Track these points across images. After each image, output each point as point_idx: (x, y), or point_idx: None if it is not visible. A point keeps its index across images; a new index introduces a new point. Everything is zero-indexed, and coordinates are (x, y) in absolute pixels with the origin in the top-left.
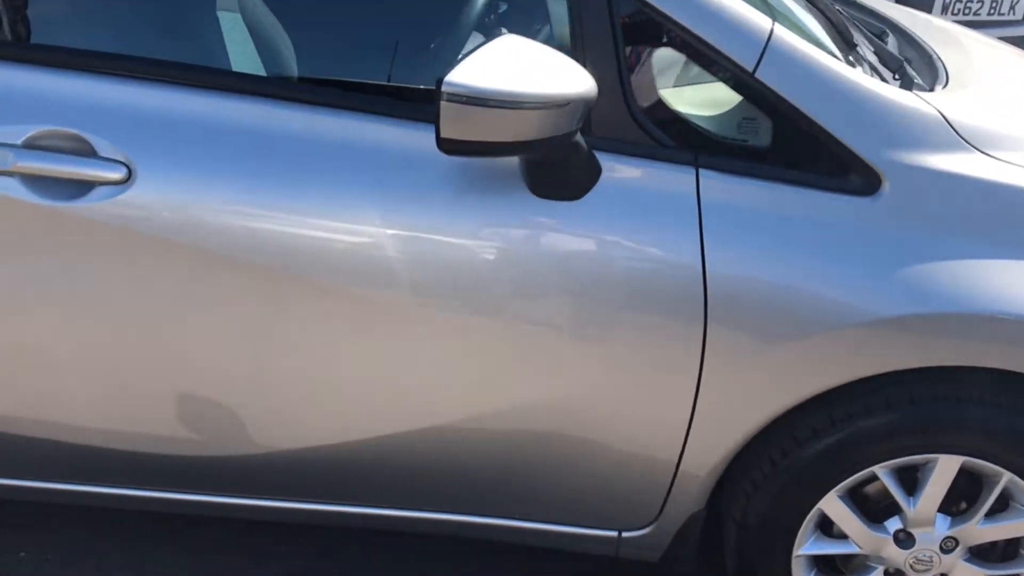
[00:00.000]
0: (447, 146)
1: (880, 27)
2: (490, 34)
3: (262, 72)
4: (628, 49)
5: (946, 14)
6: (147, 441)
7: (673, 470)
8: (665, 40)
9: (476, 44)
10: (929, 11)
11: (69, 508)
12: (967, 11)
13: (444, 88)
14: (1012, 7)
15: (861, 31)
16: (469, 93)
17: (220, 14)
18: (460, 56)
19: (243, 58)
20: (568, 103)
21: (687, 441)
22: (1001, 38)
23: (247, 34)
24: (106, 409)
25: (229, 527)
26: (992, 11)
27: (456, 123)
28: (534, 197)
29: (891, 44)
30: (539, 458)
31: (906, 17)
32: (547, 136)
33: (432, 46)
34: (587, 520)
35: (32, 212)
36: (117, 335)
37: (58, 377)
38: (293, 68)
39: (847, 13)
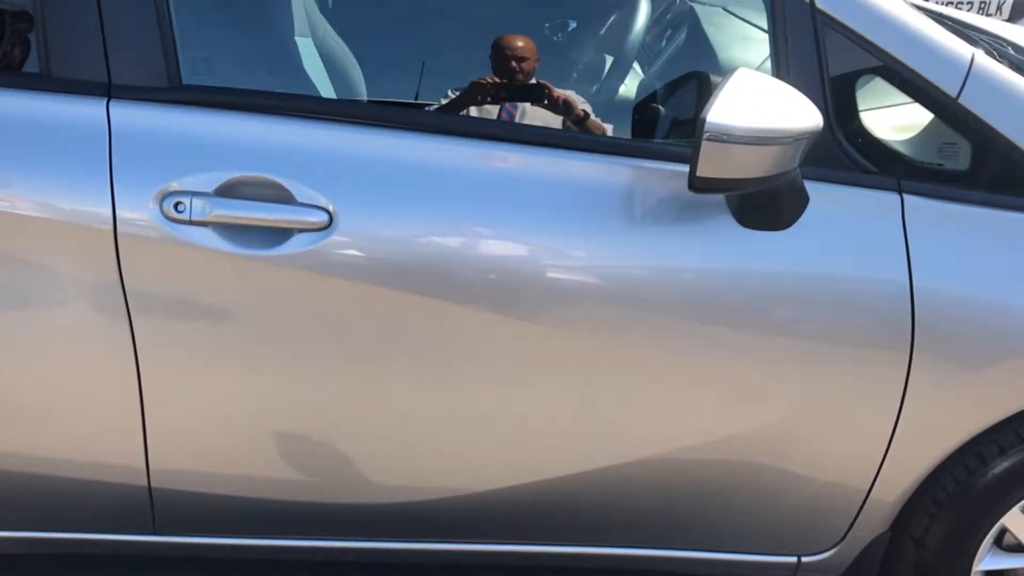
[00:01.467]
0: (700, 184)
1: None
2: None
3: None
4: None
5: None
6: (340, 483)
7: (864, 495)
8: (868, 66)
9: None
10: None
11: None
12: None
13: (707, 128)
14: (999, 7)
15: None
16: (729, 131)
17: (297, 40)
18: (671, 85)
19: (320, 83)
20: (806, 137)
21: (882, 466)
22: None
23: (319, 59)
24: (290, 456)
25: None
26: (981, 9)
27: (713, 161)
28: (742, 228)
29: None
30: (732, 488)
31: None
32: (785, 170)
33: (608, 80)
34: (768, 547)
35: (229, 262)
36: (320, 385)
37: (257, 430)
38: (363, 92)
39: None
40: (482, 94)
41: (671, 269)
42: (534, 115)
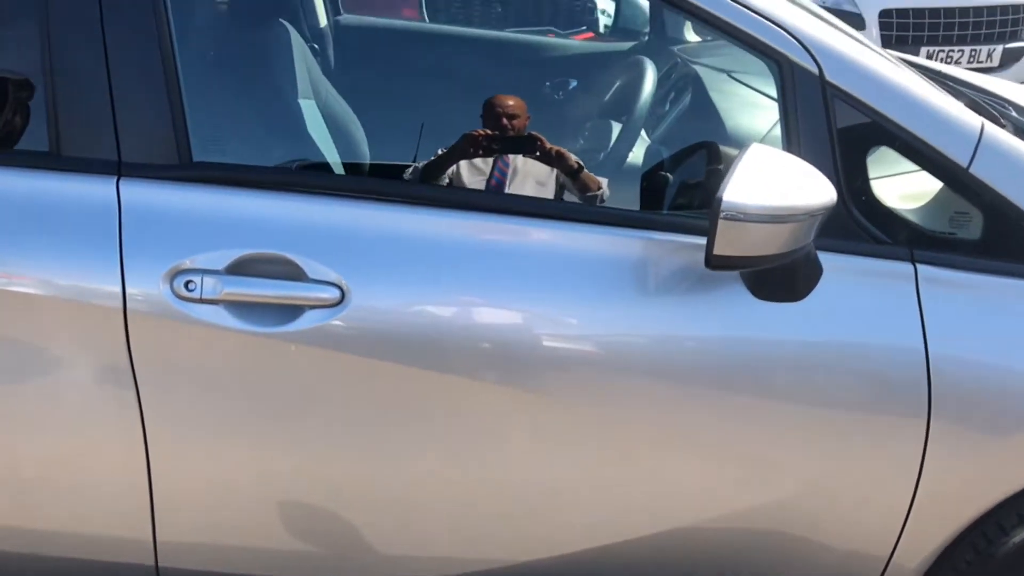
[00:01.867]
0: (717, 262)
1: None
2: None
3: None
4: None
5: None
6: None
7: (884, 564)
8: (878, 137)
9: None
10: None
11: None
12: (949, 60)
13: (723, 207)
14: (990, 55)
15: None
16: (746, 210)
17: (301, 102)
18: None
19: (323, 144)
20: (821, 213)
21: (901, 535)
22: None
23: (322, 120)
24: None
25: None
26: (972, 59)
27: (730, 240)
28: (756, 300)
29: None
30: (749, 560)
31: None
32: (800, 245)
33: (617, 147)
34: None
35: (240, 340)
36: (329, 460)
37: (266, 504)
38: (365, 152)
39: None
40: (473, 146)
41: (684, 338)
42: (527, 169)
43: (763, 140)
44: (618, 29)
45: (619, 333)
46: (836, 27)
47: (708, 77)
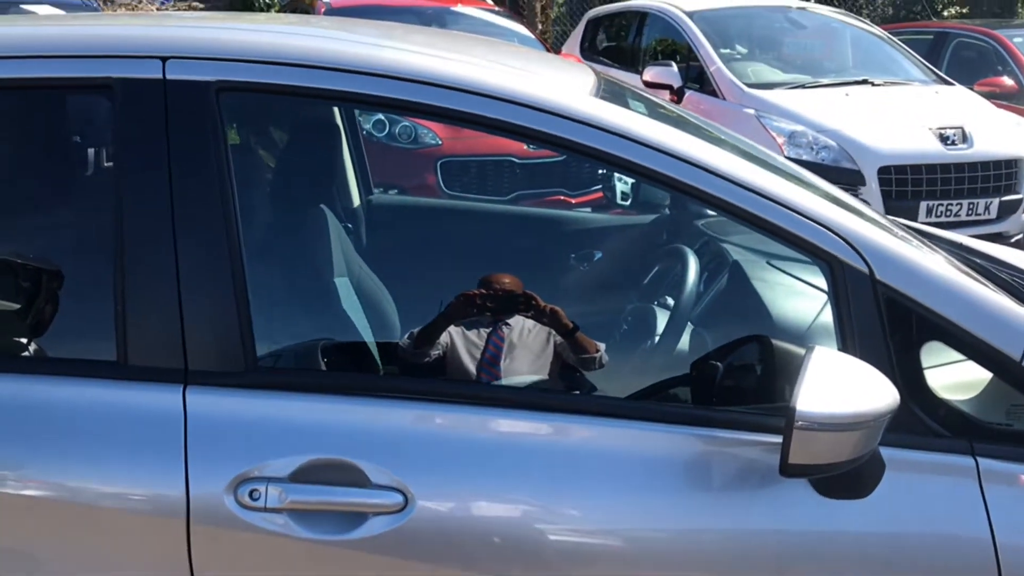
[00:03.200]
0: (792, 471)
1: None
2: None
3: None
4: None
5: (930, 216)
6: None
7: None
8: (930, 333)
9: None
10: (915, 217)
11: None
12: (948, 213)
13: (797, 417)
14: (987, 207)
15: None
16: (819, 420)
17: (336, 280)
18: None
19: (358, 322)
20: (888, 416)
21: None
22: (979, 236)
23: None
24: None
25: None
26: (970, 211)
27: (804, 449)
28: (820, 497)
29: None
30: None
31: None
32: (869, 449)
33: (666, 337)
34: None
35: (304, 549)
36: None
37: None
38: (397, 328)
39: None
40: (467, 306)
41: (748, 533)
42: (523, 341)
43: (809, 331)
44: (638, 200)
45: (688, 531)
46: (881, 224)
47: (746, 261)
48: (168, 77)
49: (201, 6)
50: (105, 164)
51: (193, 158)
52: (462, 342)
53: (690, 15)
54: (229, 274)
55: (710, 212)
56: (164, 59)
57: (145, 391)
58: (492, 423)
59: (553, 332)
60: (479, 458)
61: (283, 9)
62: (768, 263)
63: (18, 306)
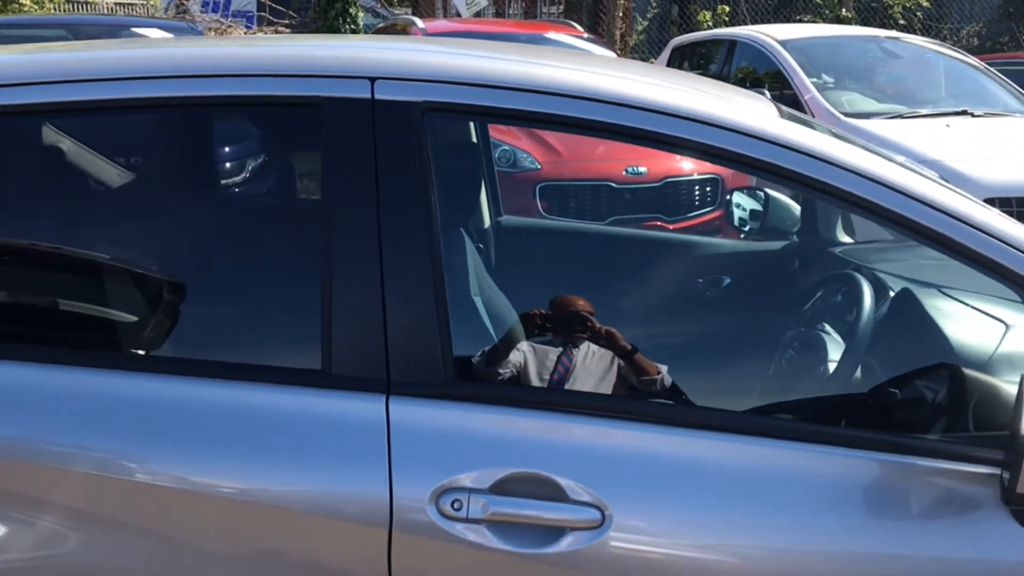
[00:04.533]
0: (1018, 500)
1: None
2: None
3: None
4: None
5: None
6: None
7: None
8: None
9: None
10: None
11: None
12: None
13: None
14: None
15: None
16: None
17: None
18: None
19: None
20: None
21: None
22: None
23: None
24: None
25: None
26: None
27: None
28: (1021, 528)
29: None
30: None
31: None
32: None
33: (842, 368)
34: None
35: (503, 561)
36: None
37: None
38: None
39: None
40: (529, 326)
41: (951, 562)
42: (587, 365)
43: (991, 360)
44: (765, 227)
45: (889, 556)
46: None
47: (916, 289)
48: (377, 97)
49: (287, 31)
50: (311, 181)
51: (399, 175)
52: (534, 363)
53: (783, 43)
54: (431, 289)
55: (841, 239)
56: (373, 79)
57: (349, 400)
58: (690, 444)
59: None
60: (676, 478)
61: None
62: (939, 290)
63: (227, 314)
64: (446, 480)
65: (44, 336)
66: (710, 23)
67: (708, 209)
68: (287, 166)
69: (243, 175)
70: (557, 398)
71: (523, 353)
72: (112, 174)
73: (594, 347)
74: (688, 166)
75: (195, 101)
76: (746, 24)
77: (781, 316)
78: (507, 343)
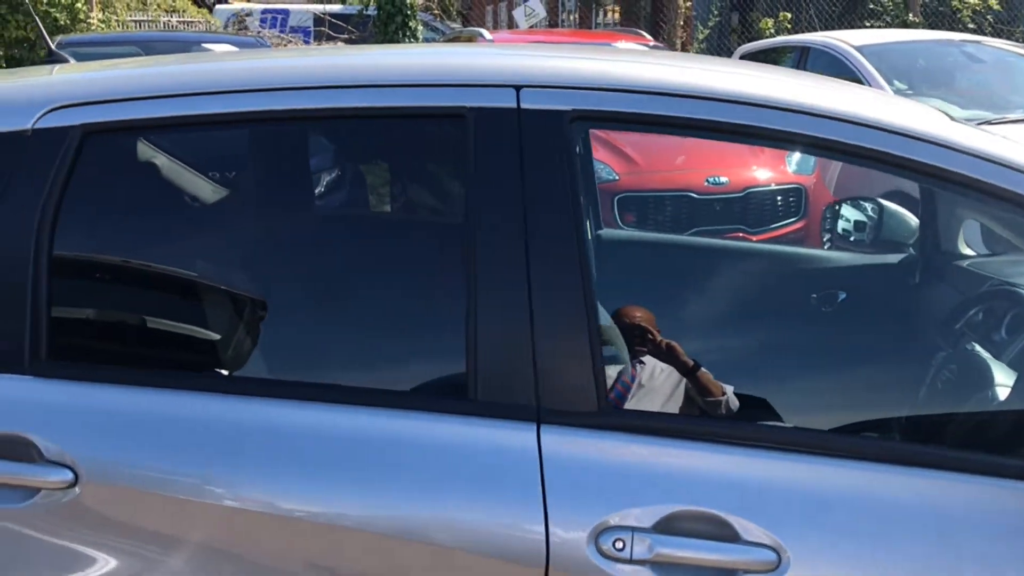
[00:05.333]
0: None
1: None
2: None
3: None
4: None
5: None
6: None
7: None
8: None
9: None
10: None
11: None
12: None
13: None
14: None
15: None
16: None
17: None
18: None
19: None
20: None
21: None
22: None
23: None
24: None
25: None
26: None
27: None
28: None
29: None
30: None
31: None
32: None
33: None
34: None
35: None
36: None
37: None
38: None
39: None
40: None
41: None
42: (652, 384)
43: None
44: (879, 240)
45: None
46: None
47: None
48: (523, 106)
49: (345, 45)
50: (453, 195)
51: (548, 188)
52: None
53: (859, 49)
54: (583, 310)
55: (963, 252)
56: (518, 88)
57: (498, 428)
58: (872, 479)
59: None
60: (858, 517)
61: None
62: None
63: (365, 337)
64: (606, 517)
65: (189, 362)
66: (772, 30)
67: (792, 219)
68: (427, 180)
69: (387, 186)
70: (722, 429)
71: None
72: (248, 188)
73: (661, 364)
74: (768, 175)
75: (335, 113)
76: (809, 31)
77: (924, 335)
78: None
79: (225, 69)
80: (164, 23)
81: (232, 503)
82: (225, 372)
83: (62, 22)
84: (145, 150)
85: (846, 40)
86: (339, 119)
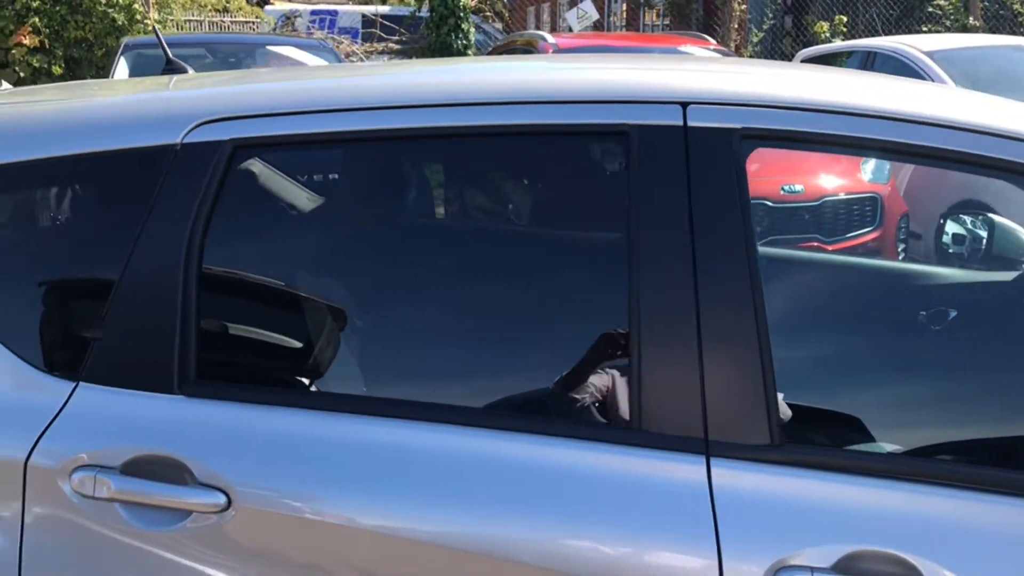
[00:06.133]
0: None
1: None
2: None
3: None
4: None
5: None
6: None
7: None
8: None
9: None
10: None
11: None
12: None
13: None
14: None
15: None
16: None
17: None
18: None
19: None
20: None
21: None
22: None
23: None
24: None
25: None
26: None
27: None
28: None
29: None
30: None
31: None
32: None
33: None
34: None
35: None
36: None
37: None
38: None
39: None
40: (611, 346)
41: None
42: (614, 376)
43: None
44: (989, 255)
45: None
46: None
47: None
48: (690, 123)
49: (396, 46)
50: (614, 212)
51: (717, 209)
52: (623, 387)
53: (930, 55)
54: (755, 337)
55: None
56: (684, 104)
57: (665, 460)
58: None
59: None
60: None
61: (493, 53)
62: None
63: (524, 360)
64: (782, 556)
65: (342, 383)
66: (828, 34)
67: (867, 229)
68: (586, 199)
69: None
70: (902, 466)
71: (610, 376)
72: (404, 206)
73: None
74: (843, 184)
75: (495, 131)
76: (866, 35)
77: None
78: (588, 365)
79: (375, 85)
80: (218, 23)
81: (394, 529)
82: (381, 395)
83: (120, 23)
84: (293, 166)
85: (915, 45)
86: (498, 136)
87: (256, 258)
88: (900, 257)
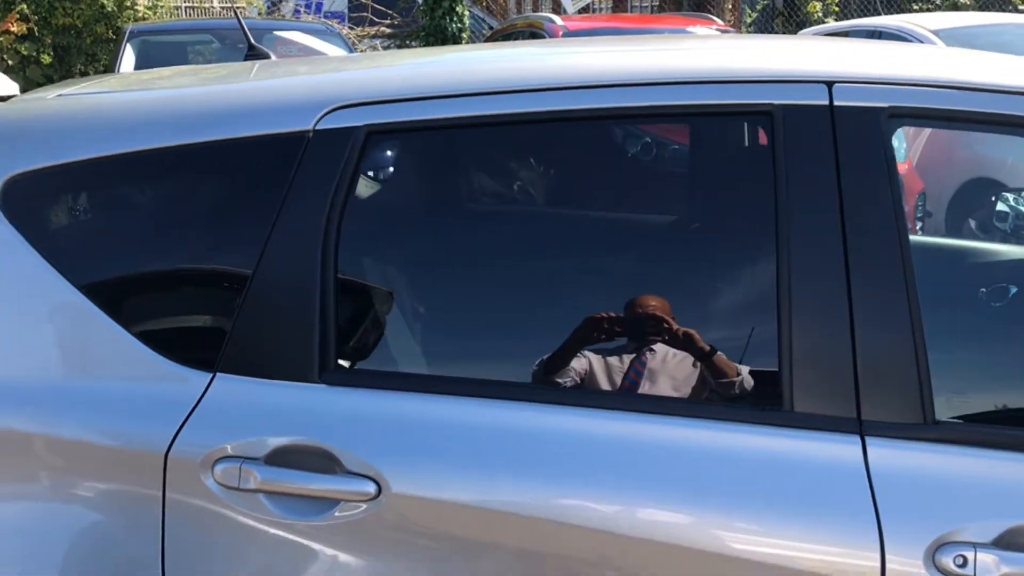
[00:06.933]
0: None
1: None
2: None
3: None
4: None
5: None
6: None
7: None
8: None
9: None
10: None
11: None
12: None
13: None
14: None
15: None
16: None
17: None
18: None
19: None
20: None
21: None
22: None
23: None
24: None
25: None
26: None
27: None
28: None
29: None
30: None
31: None
32: None
33: None
34: None
35: None
36: None
37: None
38: None
39: None
40: (595, 330)
41: None
42: (664, 369)
43: None
44: None
45: None
46: None
47: None
48: (836, 103)
49: (388, 30)
50: (758, 192)
51: (866, 188)
52: (602, 369)
53: (937, 33)
54: (907, 314)
55: None
56: (830, 84)
57: (818, 441)
58: None
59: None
60: None
61: (492, 37)
62: None
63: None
64: (942, 533)
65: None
66: (820, 14)
67: None
68: (728, 179)
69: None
70: None
71: (587, 359)
72: (541, 190)
73: (672, 350)
74: None
75: (635, 112)
76: (859, 15)
77: None
78: (569, 350)
79: (505, 68)
80: (207, 9)
81: (545, 516)
82: (523, 380)
83: (109, 8)
84: (426, 150)
85: (922, 24)
86: (637, 118)
87: (392, 244)
88: (919, 233)
